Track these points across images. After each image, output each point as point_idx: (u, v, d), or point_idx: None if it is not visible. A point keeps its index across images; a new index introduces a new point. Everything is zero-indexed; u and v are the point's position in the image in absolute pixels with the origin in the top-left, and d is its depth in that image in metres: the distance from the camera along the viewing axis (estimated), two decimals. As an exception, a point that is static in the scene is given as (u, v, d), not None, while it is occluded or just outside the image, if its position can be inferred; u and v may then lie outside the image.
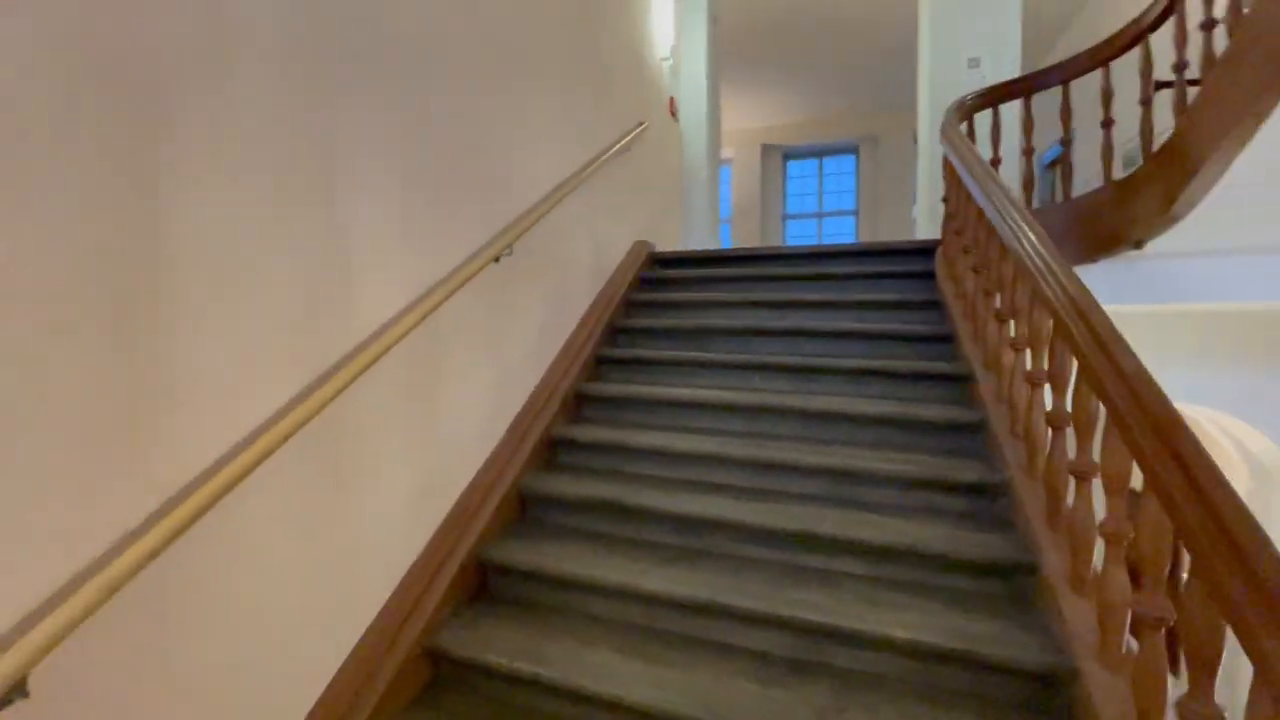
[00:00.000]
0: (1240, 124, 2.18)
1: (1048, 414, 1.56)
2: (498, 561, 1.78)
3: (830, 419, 2.18)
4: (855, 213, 10.71)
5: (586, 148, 2.88)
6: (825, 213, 10.96)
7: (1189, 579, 0.96)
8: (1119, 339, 1.31)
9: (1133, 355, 1.26)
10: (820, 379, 2.40)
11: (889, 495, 1.89)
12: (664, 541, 1.87)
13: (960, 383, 2.21)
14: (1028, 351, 1.78)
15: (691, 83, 4.59)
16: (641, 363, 2.69)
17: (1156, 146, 2.61)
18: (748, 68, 8.57)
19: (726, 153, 11.10)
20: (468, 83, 1.92)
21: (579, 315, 2.80)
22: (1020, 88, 2.91)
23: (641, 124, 3.54)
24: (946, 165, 2.80)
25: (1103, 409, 1.28)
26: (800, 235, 11.03)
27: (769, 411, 2.25)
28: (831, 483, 1.95)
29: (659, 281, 3.31)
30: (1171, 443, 1.05)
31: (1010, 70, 3.90)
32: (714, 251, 3.45)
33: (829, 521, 1.73)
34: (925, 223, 4.10)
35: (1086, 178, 3.59)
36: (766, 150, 11.02)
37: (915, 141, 10.56)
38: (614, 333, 2.94)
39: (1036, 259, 1.65)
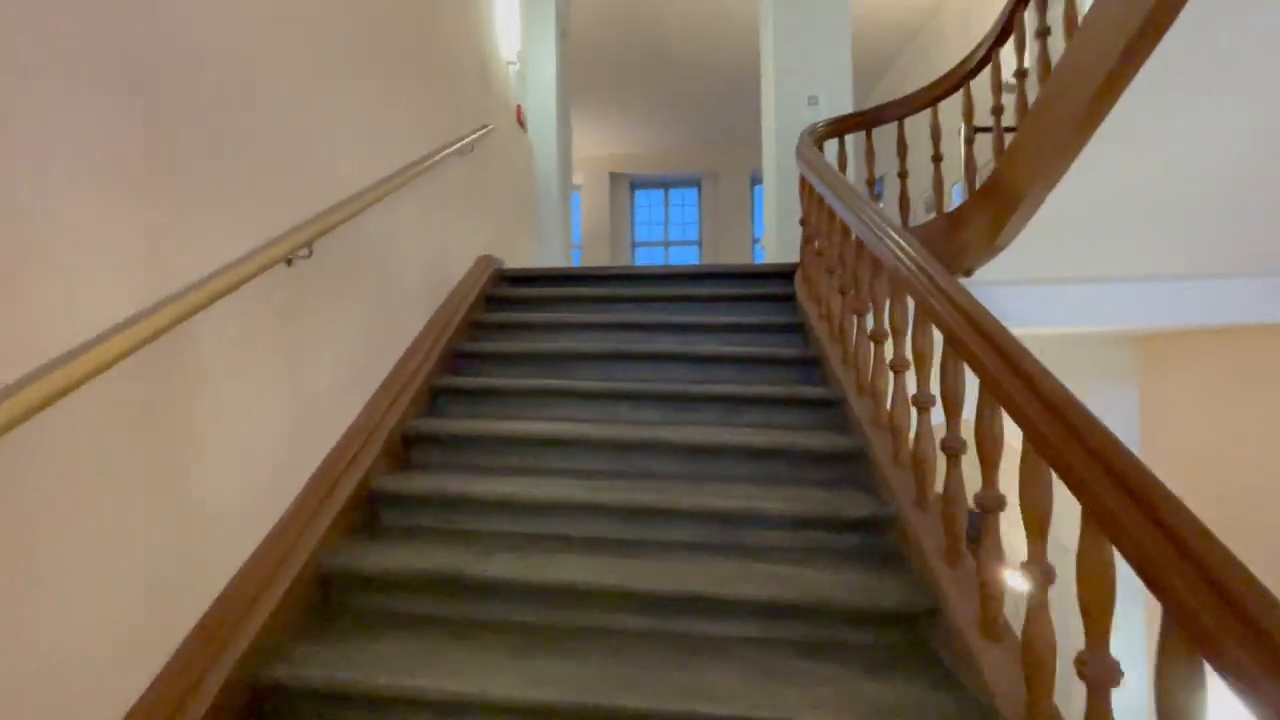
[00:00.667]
0: (1052, 165, 2.37)
1: (943, 440, 1.45)
2: (283, 681, 1.27)
3: (706, 453, 1.94)
4: (699, 242, 11.10)
5: (417, 144, 2.45)
6: (672, 241, 11.22)
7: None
8: (1026, 352, 1.21)
9: (1046, 370, 1.15)
10: (692, 408, 2.17)
11: (777, 537, 1.67)
12: (522, 621, 1.48)
13: (834, 407, 2.11)
14: (909, 374, 1.68)
15: (540, 94, 4.31)
16: (489, 393, 2.28)
17: (980, 182, 2.81)
18: (597, 95, 8.54)
19: (576, 179, 10.98)
20: (248, 64, 1.44)
21: (410, 337, 2.33)
22: (864, 120, 3.01)
23: (486, 126, 3.17)
24: (804, 186, 2.78)
25: (1015, 433, 1.16)
26: (649, 262, 11.18)
27: (639, 447, 1.96)
28: (714, 527, 1.69)
29: (510, 301, 2.92)
30: (1117, 472, 0.91)
31: (845, 107, 4.11)
32: (569, 269, 3.15)
33: (716, 576, 1.46)
34: (775, 250, 4.16)
35: (917, 209, 3.85)
36: (615, 178, 11.07)
37: (752, 181, 11.27)
38: (456, 358, 2.49)
39: (921, 275, 1.55)
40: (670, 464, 1.96)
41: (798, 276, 2.82)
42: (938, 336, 1.48)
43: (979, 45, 2.75)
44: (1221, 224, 2.68)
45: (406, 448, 2.05)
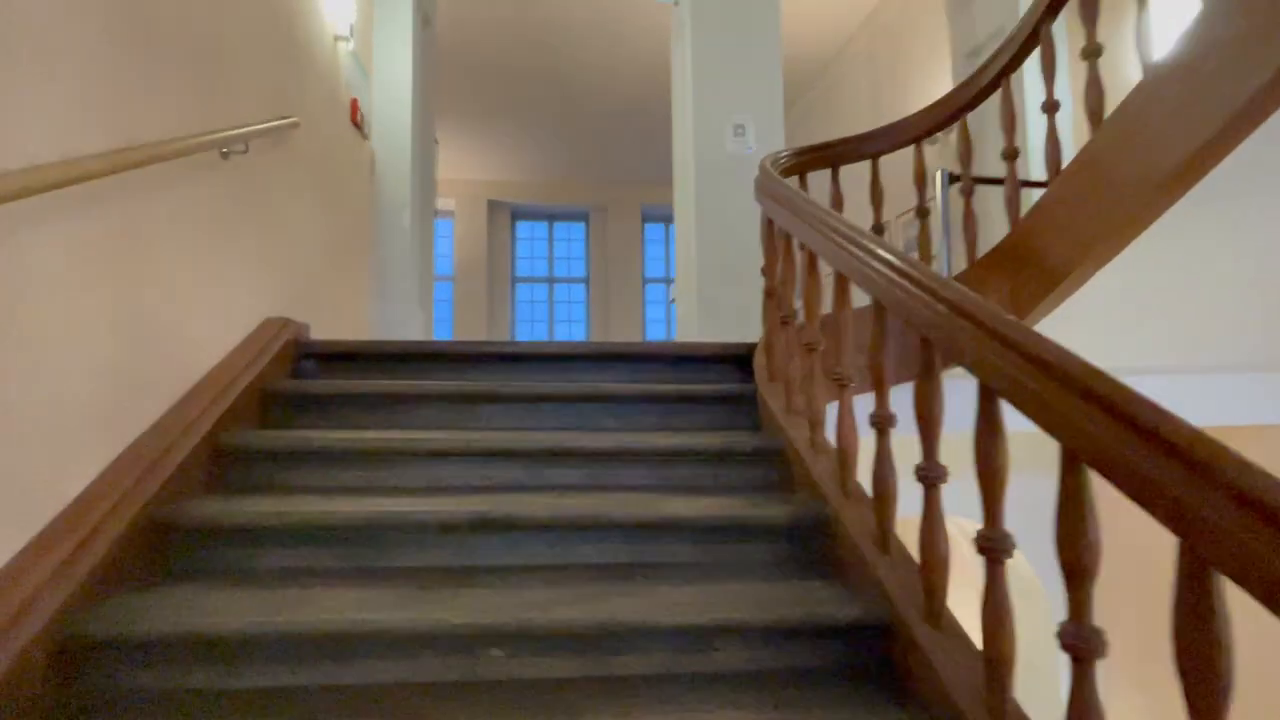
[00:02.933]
0: (1107, 241, 1.70)
1: None
2: None
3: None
4: (586, 280, 10.21)
5: (119, 128, 1.29)
6: (557, 278, 10.24)
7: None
8: None
9: None
10: (636, 651, 1.15)
11: None
12: None
13: (880, 638, 1.20)
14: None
15: (391, 92, 3.19)
16: (200, 644, 1.12)
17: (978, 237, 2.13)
18: (475, 109, 7.43)
19: (448, 204, 9.70)
20: None
21: (69, 490, 1.13)
22: (829, 155, 2.24)
23: (286, 119, 2.03)
24: (770, 231, 1.93)
25: None
26: (530, 299, 10.09)
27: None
28: None
29: (309, 402, 1.76)
30: None
31: (775, 137, 3.41)
32: (417, 346, 2.04)
33: None
34: (694, 313, 3.31)
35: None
36: (494, 206, 9.92)
37: (643, 217, 10.60)
38: (167, 534, 1.30)
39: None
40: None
41: (760, 362, 1.94)
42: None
43: (983, 68, 2.08)
44: (1246, 317, 2.20)
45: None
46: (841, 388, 1.39)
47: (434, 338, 3.75)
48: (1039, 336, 0.86)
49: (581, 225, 10.38)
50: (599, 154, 8.75)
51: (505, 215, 10.01)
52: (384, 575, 1.24)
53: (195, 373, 1.60)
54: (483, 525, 1.30)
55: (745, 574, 1.30)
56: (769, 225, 1.91)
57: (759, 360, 1.94)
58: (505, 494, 1.46)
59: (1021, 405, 0.86)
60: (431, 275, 3.67)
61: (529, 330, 10.08)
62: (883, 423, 1.23)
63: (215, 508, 1.29)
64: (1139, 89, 1.58)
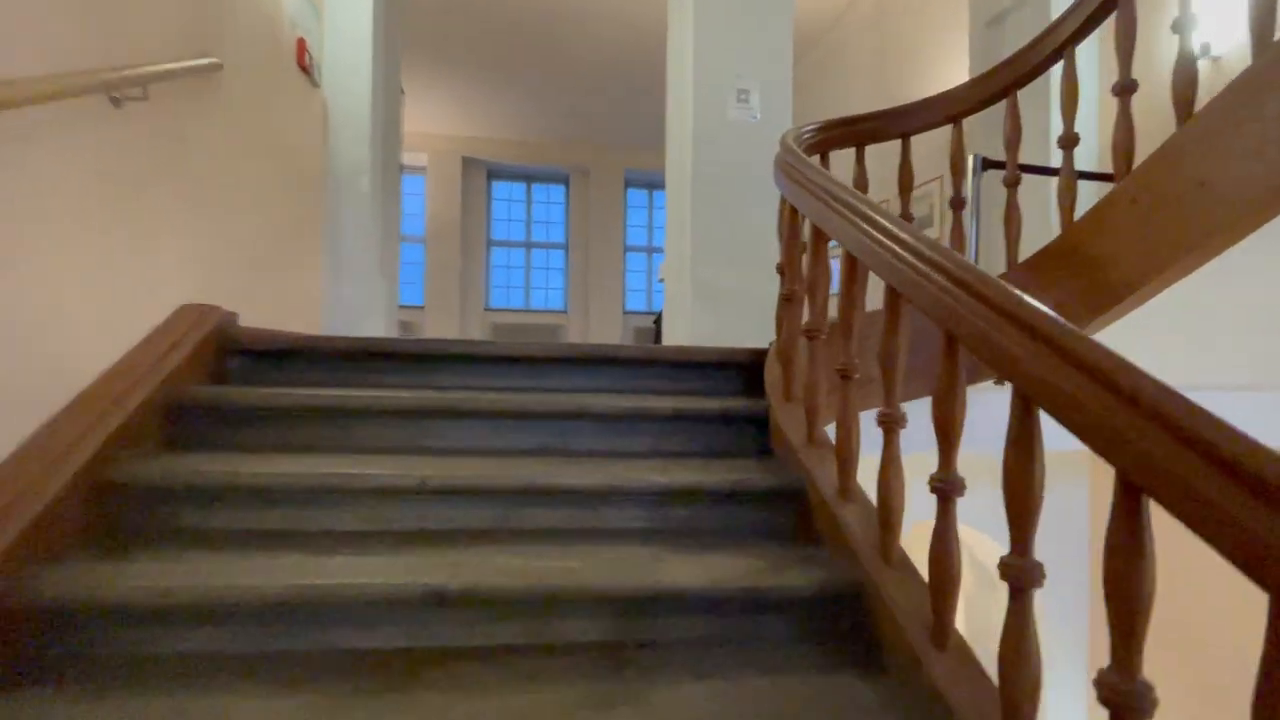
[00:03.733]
0: (1189, 253, 1.45)
1: None
2: None
3: None
4: (565, 246, 9.79)
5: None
6: (534, 243, 9.80)
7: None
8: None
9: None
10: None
11: None
12: None
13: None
14: None
15: (349, 32, 2.75)
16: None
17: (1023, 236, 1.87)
18: (447, 62, 6.85)
19: (419, 159, 9.12)
20: None
21: None
22: (856, 131, 1.93)
23: (204, 59, 1.64)
24: (790, 219, 1.63)
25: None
26: (506, 264, 9.65)
27: None
28: None
29: (221, 417, 1.44)
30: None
31: (782, 106, 3.07)
32: (364, 343, 1.71)
33: None
34: (688, 296, 3.01)
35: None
36: (469, 164, 9.36)
37: (625, 181, 10.12)
38: (14, 621, 1.00)
39: None
40: None
41: (771, 376, 1.66)
42: None
43: (1043, 37, 1.78)
44: None
45: None
46: (888, 431, 1.12)
47: (398, 314, 3.40)
48: (1103, 349, 0.71)
49: (561, 188, 9.90)
50: (582, 113, 8.24)
51: (481, 174, 9.47)
52: (307, 672, 0.96)
53: (76, 380, 1.27)
54: (438, 602, 1.02)
55: (762, 661, 1.05)
56: (791, 215, 1.60)
57: (771, 374, 1.66)
58: (467, 550, 1.17)
59: (1075, 425, 0.72)
60: (397, 245, 3.29)
61: (504, 297, 9.67)
62: (948, 489, 0.97)
63: (81, 581, 0.99)
64: (1248, 76, 1.30)
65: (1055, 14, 3.37)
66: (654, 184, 10.14)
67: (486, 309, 9.41)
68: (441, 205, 9.16)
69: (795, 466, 1.40)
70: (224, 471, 1.21)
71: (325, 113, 2.68)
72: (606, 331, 9.52)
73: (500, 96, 7.81)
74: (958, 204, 1.91)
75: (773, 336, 2.92)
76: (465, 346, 1.72)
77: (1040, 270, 1.75)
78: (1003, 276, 1.82)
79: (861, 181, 1.97)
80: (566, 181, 9.84)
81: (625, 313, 9.77)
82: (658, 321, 9.47)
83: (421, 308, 9.11)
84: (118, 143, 1.39)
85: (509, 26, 6.21)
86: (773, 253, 2.97)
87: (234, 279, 1.90)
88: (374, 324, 2.81)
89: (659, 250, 10.23)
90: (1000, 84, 1.82)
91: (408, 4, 5.33)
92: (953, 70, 4.38)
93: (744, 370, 1.82)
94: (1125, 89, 1.55)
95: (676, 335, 3.11)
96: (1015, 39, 3.61)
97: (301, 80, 2.42)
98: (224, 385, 1.58)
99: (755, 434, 1.60)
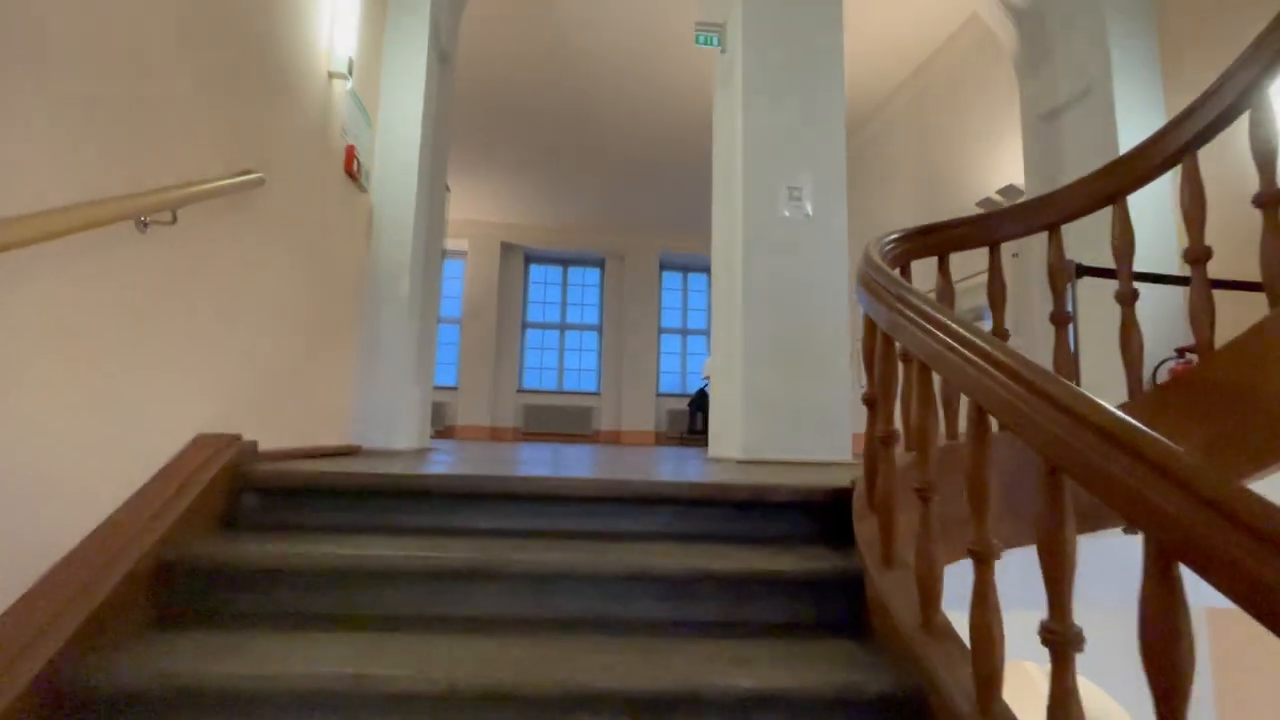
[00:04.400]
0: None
1: None
2: None
3: None
4: (599, 328, 9.76)
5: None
6: (569, 324, 9.80)
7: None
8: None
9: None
10: None
11: None
12: None
13: None
14: None
15: (398, 134, 2.75)
16: None
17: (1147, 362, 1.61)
18: (489, 152, 7.08)
19: (460, 244, 9.35)
20: None
21: None
22: (944, 238, 1.74)
23: (246, 175, 1.56)
24: (880, 344, 1.41)
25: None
26: (541, 346, 9.63)
27: None
28: None
29: (223, 583, 1.23)
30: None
31: (837, 201, 2.93)
32: (389, 481, 1.50)
33: None
34: (734, 401, 2.78)
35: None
36: (507, 250, 9.55)
37: (661, 264, 10.17)
38: None
39: None
40: None
41: (863, 530, 1.40)
42: None
43: (1159, 137, 1.59)
44: None
45: None
46: (1059, 654, 0.85)
47: (429, 422, 3.24)
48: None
49: (597, 271, 10.00)
50: (619, 199, 8.39)
51: (518, 258, 9.64)
52: None
53: (60, 543, 1.08)
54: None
55: None
56: (885, 343, 1.39)
57: (865, 528, 1.40)
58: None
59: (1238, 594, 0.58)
60: (434, 349, 3.17)
61: (538, 378, 9.59)
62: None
63: None
64: None
65: (1120, 109, 3.24)
66: (689, 266, 10.18)
67: (519, 390, 9.32)
68: (479, 288, 9.30)
69: (909, 662, 1.11)
70: (208, 674, 0.99)
71: (370, 216, 2.63)
72: (640, 414, 9.30)
73: (540, 184, 8.02)
74: (1061, 319, 1.68)
75: (833, 449, 2.66)
76: (501, 484, 1.51)
77: (1176, 402, 1.48)
78: (1124, 407, 1.56)
79: (946, 292, 1.76)
80: (602, 265, 9.95)
81: (659, 395, 9.57)
82: (693, 404, 9.22)
83: (455, 388, 9.07)
84: (141, 267, 1.27)
85: (551, 119, 6.40)
86: (825, 355, 2.77)
87: (260, 394, 1.75)
88: (406, 432, 2.64)
89: (694, 332, 10.13)
90: (1109, 187, 1.63)
91: (455, 104, 5.52)
92: (998, 159, 4.26)
93: (825, 513, 1.55)
94: (1270, 199, 1.34)
95: (726, 446, 2.86)
96: (1074, 132, 3.48)
97: (348, 186, 2.37)
98: (232, 532, 1.38)
99: (848, 603, 1.32)
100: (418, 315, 2.79)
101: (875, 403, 1.42)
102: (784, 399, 2.74)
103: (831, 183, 2.94)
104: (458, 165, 7.37)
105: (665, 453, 4.22)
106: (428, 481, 1.50)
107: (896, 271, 1.66)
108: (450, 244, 9.13)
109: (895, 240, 1.65)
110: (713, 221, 3.37)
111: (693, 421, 9.27)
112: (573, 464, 2.36)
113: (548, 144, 6.86)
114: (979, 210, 4.36)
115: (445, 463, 2.04)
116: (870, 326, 1.48)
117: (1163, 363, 2.62)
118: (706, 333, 10.12)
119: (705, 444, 8.92)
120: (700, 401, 9.16)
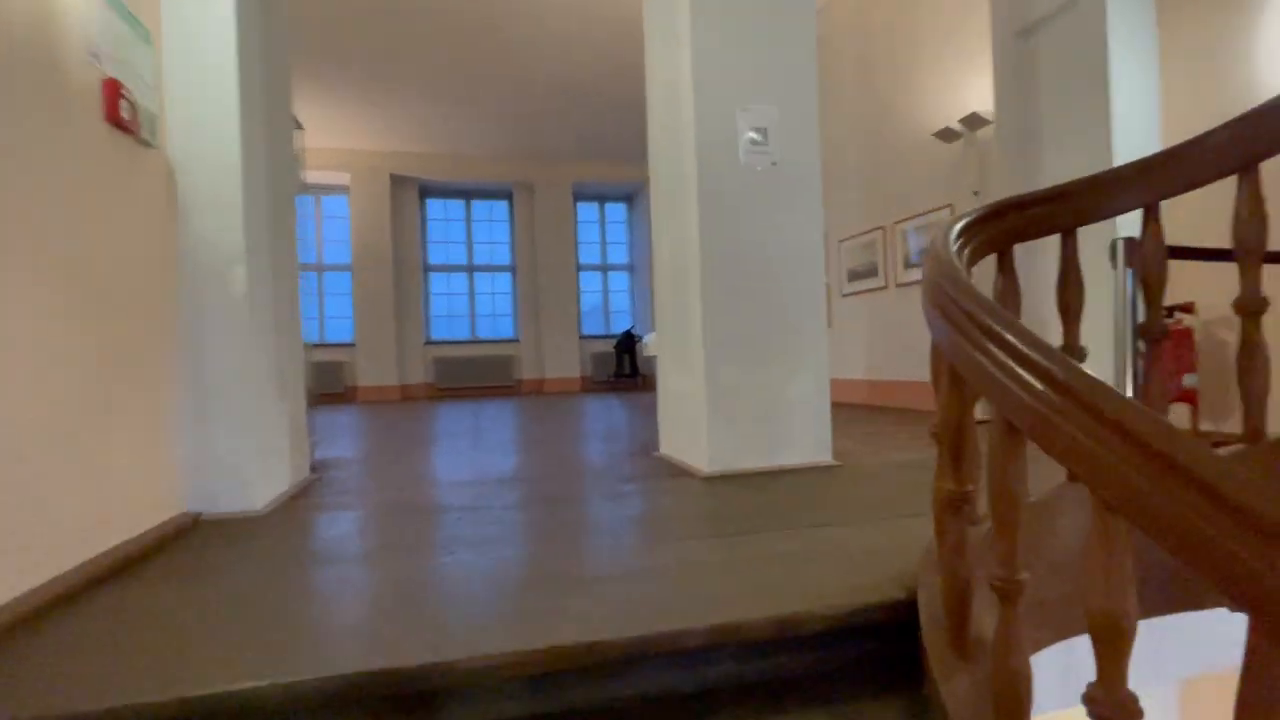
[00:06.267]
0: None
1: None
2: None
3: None
4: (512, 268, 8.88)
5: None
6: (477, 266, 8.85)
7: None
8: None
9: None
10: None
11: None
12: None
13: None
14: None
15: (201, 55, 1.86)
16: None
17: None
18: (368, 68, 5.82)
19: (341, 178, 8.02)
20: None
21: None
22: (1023, 219, 1.24)
23: None
24: (957, 390, 0.92)
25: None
26: (447, 291, 8.66)
27: None
28: None
29: None
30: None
31: (807, 143, 2.36)
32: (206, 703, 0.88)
33: None
34: (697, 399, 2.27)
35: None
36: (398, 182, 8.30)
37: (574, 195, 9.22)
38: None
39: None
40: None
41: (952, 693, 0.95)
42: None
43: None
44: None
45: None
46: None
47: (307, 440, 2.54)
48: None
49: (504, 204, 8.97)
50: (524, 123, 7.34)
51: (413, 192, 8.44)
52: None
53: None
54: None
55: None
56: (952, 377, 0.89)
57: (953, 690, 0.94)
58: None
59: None
60: (301, 357, 2.40)
61: (447, 327, 8.69)
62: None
63: None
64: None
65: (1112, 21, 2.81)
66: (605, 196, 9.35)
67: (427, 342, 8.42)
68: (369, 227, 8.11)
69: None
70: None
71: (169, 185, 1.79)
72: (563, 360, 8.70)
73: (433, 108, 6.83)
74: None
75: (815, 448, 2.13)
76: (402, 679, 0.92)
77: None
78: (1240, 456, 1.18)
79: (1010, 292, 1.28)
80: (510, 197, 8.93)
81: (582, 338, 8.98)
82: (619, 346, 8.70)
83: (352, 345, 8.05)
84: None
85: (441, 29, 5.27)
86: (801, 336, 2.28)
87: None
88: (269, 476, 1.95)
89: (614, 268, 9.45)
90: (1235, 160, 1.16)
91: (290, 13, 4.34)
92: (956, 80, 3.78)
93: (883, 640, 1.10)
94: None
95: (687, 453, 2.38)
96: (1053, 51, 3.04)
97: (117, 144, 1.53)
98: None
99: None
100: (268, 310, 2.03)
101: (959, 503, 0.94)
102: (755, 394, 2.26)
103: (801, 118, 2.35)
104: (325, 82, 6.06)
105: (596, 412, 3.45)
106: (279, 693, 0.88)
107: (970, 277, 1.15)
108: (330, 178, 7.80)
109: (966, 225, 1.12)
110: (651, 181, 2.72)
111: (620, 364, 8.79)
112: (497, 458, 1.62)
113: (440, 59, 5.72)
114: (935, 141, 3.92)
115: (329, 528, 1.39)
116: (947, 365, 0.97)
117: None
118: (629, 268, 9.48)
119: (635, 388, 8.48)
120: (627, 343, 8.66)
